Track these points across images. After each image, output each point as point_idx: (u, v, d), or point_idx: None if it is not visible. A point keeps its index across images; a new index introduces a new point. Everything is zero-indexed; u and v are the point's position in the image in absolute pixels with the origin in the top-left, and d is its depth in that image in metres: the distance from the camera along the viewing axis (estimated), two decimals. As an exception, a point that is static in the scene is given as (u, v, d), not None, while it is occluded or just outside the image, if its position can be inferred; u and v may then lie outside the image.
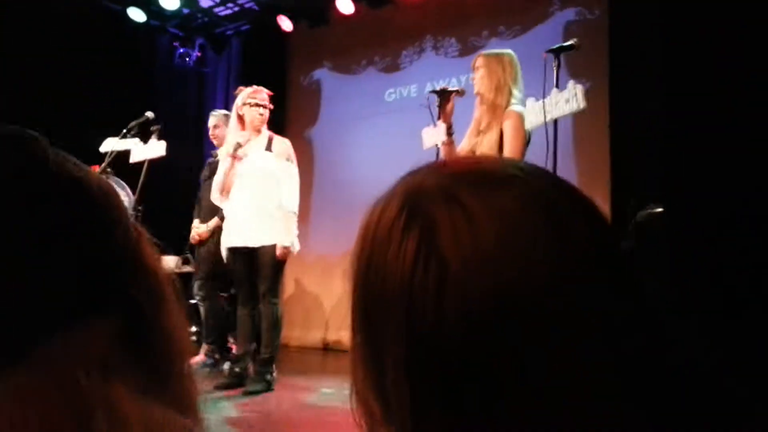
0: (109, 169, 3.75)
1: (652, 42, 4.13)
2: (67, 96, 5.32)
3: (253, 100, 3.79)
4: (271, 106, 3.89)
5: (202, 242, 4.37)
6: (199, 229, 4.41)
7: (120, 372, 0.57)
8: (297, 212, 3.81)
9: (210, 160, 4.64)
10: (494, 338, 0.42)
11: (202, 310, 4.31)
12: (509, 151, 3.03)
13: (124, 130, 3.66)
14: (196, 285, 4.32)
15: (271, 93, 3.92)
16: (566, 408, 0.42)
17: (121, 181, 4.51)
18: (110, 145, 3.63)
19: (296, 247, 3.82)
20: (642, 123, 4.24)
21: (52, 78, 5.31)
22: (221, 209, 4.19)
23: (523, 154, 3.06)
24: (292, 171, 3.84)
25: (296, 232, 3.81)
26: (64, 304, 0.59)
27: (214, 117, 4.60)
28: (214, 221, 4.32)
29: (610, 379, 0.42)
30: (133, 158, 3.64)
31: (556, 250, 0.43)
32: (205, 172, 4.56)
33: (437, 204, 0.45)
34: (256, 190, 3.72)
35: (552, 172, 0.50)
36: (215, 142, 4.59)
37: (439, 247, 0.43)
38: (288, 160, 3.83)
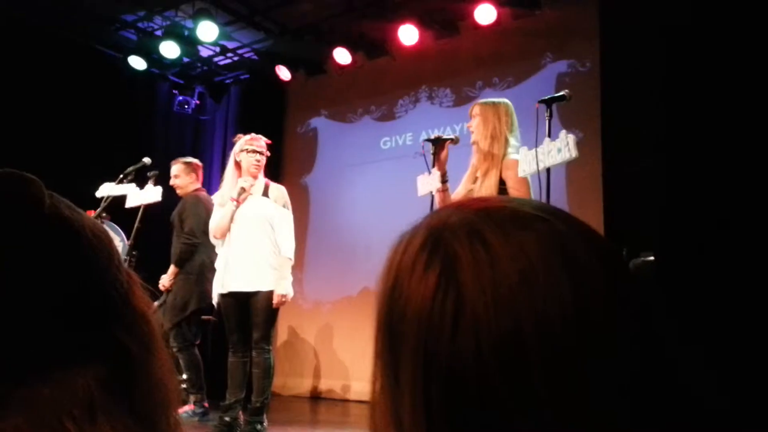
0: (104, 214, 3.76)
1: (643, 93, 4.22)
2: (67, 141, 5.38)
3: (250, 146, 3.83)
4: (268, 153, 3.92)
5: (168, 291, 4.32)
6: (162, 279, 4.33)
7: (107, 417, 0.56)
8: (293, 258, 3.81)
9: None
10: (506, 372, 0.43)
11: (180, 361, 4.23)
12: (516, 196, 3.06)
13: (121, 176, 3.68)
14: (171, 335, 4.24)
15: (269, 141, 3.96)
16: None
17: (116, 226, 4.51)
18: (106, 190, 3.65)
19: (290, 293, 3.79)
20: (634, 172, 4.29)
21: (53, 123, 5.38)
22: (176, 256, 4.26)
23: (529, 197, 3.09)
24: (288, 217, 3.85)
25: (290, 278, 3.79)
26: (52, 347, 0.59)
27: (175, 166, 4.60)
28: (171, 269, 4.30)
29: (621, 422, 0.44)
30: (129, 203, 3.65)
31: (572, 294, 0.44)
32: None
33: (460, 239, 0.47)
34: (252, 236, 3.72)
35: (571, 214, 0.51)
36: (178, 191, 4.59)
37: (458, 280, 0.45)
38: (284, 206, 3.85)
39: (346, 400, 5.67)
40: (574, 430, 0.43)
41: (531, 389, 0.43)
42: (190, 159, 4.69)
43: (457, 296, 0.45)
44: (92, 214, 3.49)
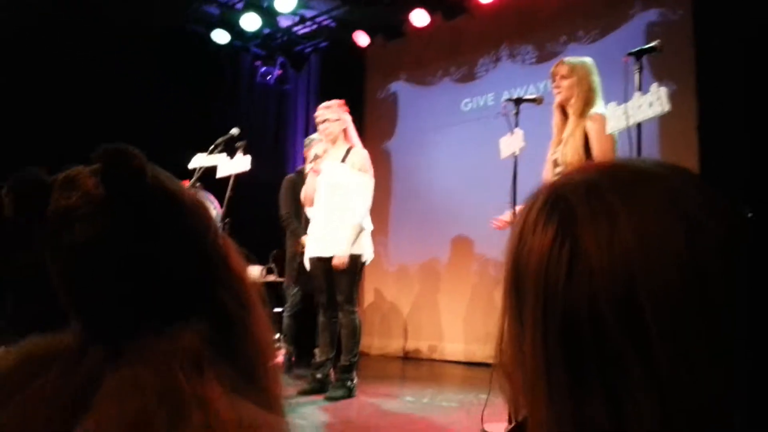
0: (198, 184, 3.93)
1: (739, 40, 3.94)
2: (158, 115, 5.64)
3: (317, 117, 3.95)
4: (336, 117, 3.90)
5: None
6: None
7: (212, 368, 0.61)
8: (362, 223, 3.83)
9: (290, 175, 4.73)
10: (618, 317, 0.45)
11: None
12: (599, 152, 2.96)
13: (212, 147, 3.83)
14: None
15: (340, 102, 3.97)
16: (678, 403, 0.44)
17: (210, 195, 4.71)
18: (199, 161, 3.81)
19: (368, 256, 3.88)
20: (731, 124, 4.04)
21: (145, 99, 5.65)
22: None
23: (614, 153, 2.98)
24: (364, 183, 3.87)
25: (368, 242, 3.86)
26: (162, 305, 0.64)
27: (308, 139, 4.73)
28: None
29: (728, 393, 0.45)
30: (220, 173, 3.80)
31: (686, 249, 0.46)
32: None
33: (579, 196, 0.50)
34: (329, 202, 3.84)
35: (693, 173, 0.52)
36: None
37: (574, 232, 0.49)
38: (361, 170, 3.87)
39: (433, 360, 5.77)
40: (685, 375, 0.44)
41: (643, 335, 0.45)
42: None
43: (572, 247, 0.48)
44: (186, 184, 3.67)
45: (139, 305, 0.65)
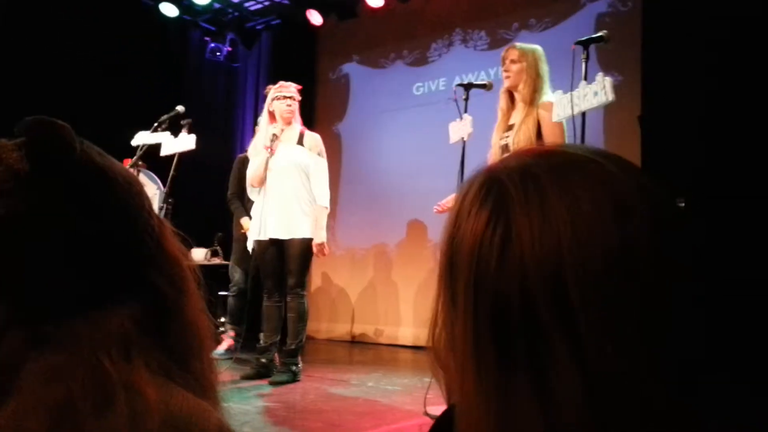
0: (140, 162, 3.81)
1: (686, 35, 4.05)
2: (99, 90, 5.43)
3: (280, 93, 3.85)
4: (299, 98, 3.92)
5: None
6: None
7: (141, 354, 0.59)
8: (328, 207, 3.84)
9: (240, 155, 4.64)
10: (547, 303, 0.46)
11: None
12: (550, 139, 3.00)
13: (155, 124, 3.71)
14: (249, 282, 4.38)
15: (299, 86, 3.95)
16: (601, 383, 0.45)
17: (153, 174, 4.58)
18: (141, 138, 3.69)
19: (323, 240, 3.85)
20: (673, 117, 4.16)
21: (85, 72, 5.42)
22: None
23: (563, 141, 3.03)
24: (323, 165, 3.88)
25: (324, 226, 3.84)
26: (88, 288, 0.61)
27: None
28: None
29: (653, 367, 0.45)
30: (164, 151, 3.69)
31: (618, 237, 0.46)
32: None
33: (514, 180, 0.50)
34: (286, 184, 3.77)
35: (627, 160, 0.53)
36: None
37: (508, 217, 0.49)
38: (319, 154, 3.88)
39: (378, 344, 5.80)
40: (608, 348, 0.45)
41: (569, 312, 0.45)
42: None
43: (505, 231, 0.48)
44: (128, 162, 3.55)
45: (65, 286, 0.61)
